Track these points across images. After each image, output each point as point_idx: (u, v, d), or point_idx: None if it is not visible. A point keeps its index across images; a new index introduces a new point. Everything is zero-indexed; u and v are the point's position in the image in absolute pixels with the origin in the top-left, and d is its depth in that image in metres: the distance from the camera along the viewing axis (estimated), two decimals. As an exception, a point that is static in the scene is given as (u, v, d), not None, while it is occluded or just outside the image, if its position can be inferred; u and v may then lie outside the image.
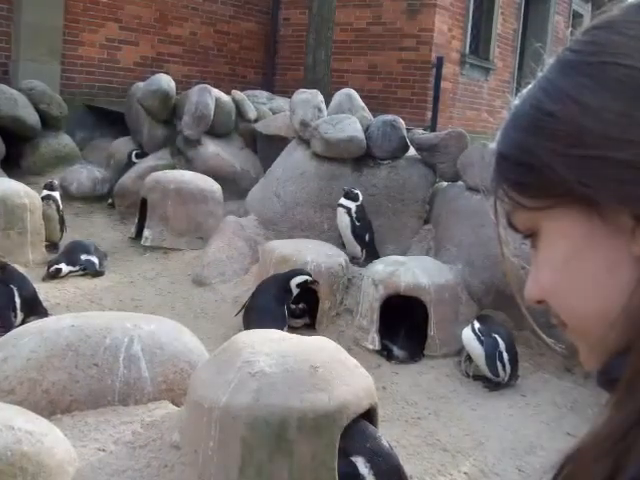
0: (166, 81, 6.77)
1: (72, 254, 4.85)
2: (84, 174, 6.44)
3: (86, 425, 2.22)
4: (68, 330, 2.43)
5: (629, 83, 0.53)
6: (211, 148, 6.62)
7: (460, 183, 5.18)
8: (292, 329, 4.06)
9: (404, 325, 4.22)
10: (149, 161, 6.54)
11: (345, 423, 2.10)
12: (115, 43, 8.69)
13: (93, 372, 2.34)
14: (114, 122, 7.71)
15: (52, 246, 5.21)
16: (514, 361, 3.86)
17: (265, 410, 2.01)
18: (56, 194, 5.33)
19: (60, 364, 2.32)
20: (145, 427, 2.24)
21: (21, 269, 4.31)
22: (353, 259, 4.90)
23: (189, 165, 6.45)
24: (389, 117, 5.68)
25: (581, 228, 0.56)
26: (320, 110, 5.76)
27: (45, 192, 5.27)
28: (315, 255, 4.42)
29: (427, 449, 3.19)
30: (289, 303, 4.17)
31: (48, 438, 1.87)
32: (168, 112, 6.78)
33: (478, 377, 3.93)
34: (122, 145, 7.09)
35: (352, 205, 4.94)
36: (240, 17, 10.31)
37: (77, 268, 4.82)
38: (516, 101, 0.61)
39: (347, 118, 5.55)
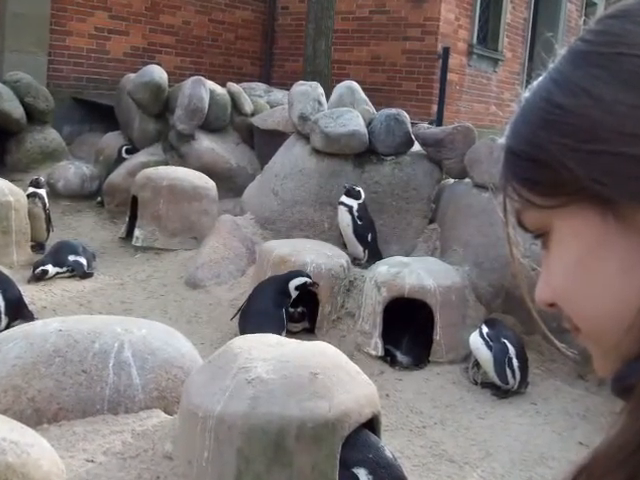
0: (158, 73, 6.77)
1: (59, 255, 4.86)
2: (72, 171, 6.45)
3: (74, 435, 2.23)
4: (55, 335, 2.43)
5: None
6: (205, 143, 6.62)
7: (467, 180, 5.18)
8: (290, 334, 4.06)
9: (408, 330, 4.22)
10: (140, 157, 6.55)
11: (346, 433, 2.10)
12: (104, 33, 8.70)
13: (81, 379, 2.34)
14: (103, 116, 7.71)
15: (38, 246, 5.21)
16: (524, 367, 3.86)
17: (262, 419, 2.01)
18: (42, 192, 5.33)
19: (47, 371, 2.33)
20: (136, 437, 2.24)
21: (5, 270, 4.31)
22: (355, 260, 4.90)
23: (182, 161, 6.45)
24: (393, 111, 5.68)
25: (594, 227, 0.56)
26: (320, 103, 5.77)
27: (31, 189, 5.28)
28: (315, 256, 4.43)
29: (433, 460, 3.20)
30: (287, 306, 4.17)
31: (34, 449, 1.87)
32: (160, 105, 6.78)
33: (486, 384, 3.94)
34: (112, 140, 7.09)
35: (354, 203, 4.94)
36: (236, 5, 10.31)
37: (64, 269, 4.82)
38: (526, 93, 0.61)
39: (348, 112, 5.56)
